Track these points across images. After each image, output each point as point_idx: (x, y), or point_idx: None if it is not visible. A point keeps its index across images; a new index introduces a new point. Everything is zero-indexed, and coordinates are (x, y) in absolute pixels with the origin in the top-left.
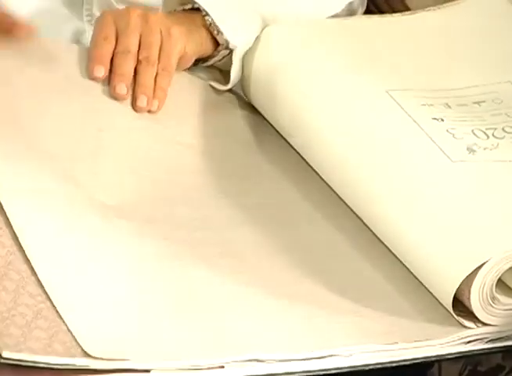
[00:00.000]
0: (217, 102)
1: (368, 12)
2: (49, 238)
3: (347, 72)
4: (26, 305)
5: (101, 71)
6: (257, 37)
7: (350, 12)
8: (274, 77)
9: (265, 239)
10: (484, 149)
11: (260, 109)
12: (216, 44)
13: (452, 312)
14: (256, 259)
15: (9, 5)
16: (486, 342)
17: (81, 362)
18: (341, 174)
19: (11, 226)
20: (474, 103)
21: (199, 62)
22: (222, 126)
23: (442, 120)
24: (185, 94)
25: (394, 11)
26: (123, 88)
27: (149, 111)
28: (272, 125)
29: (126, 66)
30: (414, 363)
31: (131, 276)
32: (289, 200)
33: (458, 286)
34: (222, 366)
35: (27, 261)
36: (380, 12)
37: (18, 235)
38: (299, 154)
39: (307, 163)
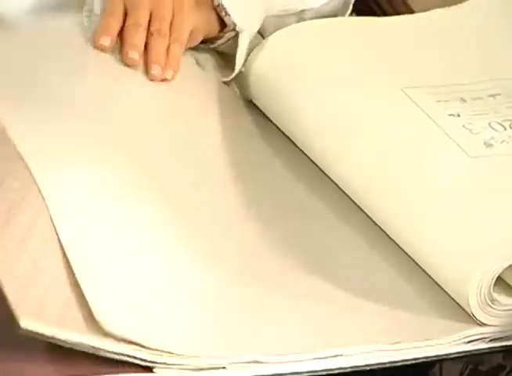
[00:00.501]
0: (223, 99)
1: (371, 13)
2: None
3: (361, 71)
4: (44, 270)
5: (107, 40)
6: (266, 39)
7: (346, 2)
8: (284, 79)
9: (268, 236)
10: (502, 142)
11: (266, 110)
12: (222, 26)
13: (470, 309)
14: (257, 257)
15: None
16: (488, 342)
17: (92, 342)
18: (357, 173)
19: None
20: (489, 96)
21: (204, 43)
22: (228, 123)
23: (458, 115)
24: (193, 91)
25: (396, 12)
26: (135, 54)
27: (164, 80)
28: (276, 125)
29: (137, 38)
30: (415, 363)
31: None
32: (295, 195)
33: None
34: (224, 367)
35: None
36: (383, 12)
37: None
38: (305, 154)
39: (313, 162)
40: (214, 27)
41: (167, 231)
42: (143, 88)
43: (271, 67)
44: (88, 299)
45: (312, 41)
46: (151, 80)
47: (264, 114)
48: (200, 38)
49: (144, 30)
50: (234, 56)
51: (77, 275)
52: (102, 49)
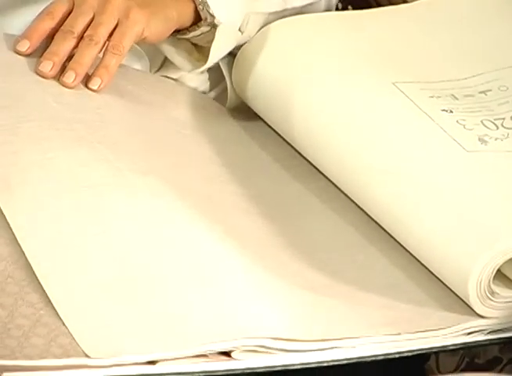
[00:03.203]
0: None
1: (368, 7)
2: (50, 241)
3: (353, 66)
4: (23, 316)
5: (24, 46)
6: (256, 36)
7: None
8: (277, 75)
9: (269, 232)
10: (496, 139)
11: (256, 107)
12: (197, 18)
13: (470, 302)
14: (258, 251)
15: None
16: (487, 334)
17: (79, 361)
18: (353, 168)
19: (11, 231)
20: (480, 92)
21: (177, 32)
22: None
23: (451, 111)
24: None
25: None
26: (47, 65)
27: (91, 90)
28: (267, 123)
29: (62, 46)
30: (411, 357)
31: (128, 269)
32: (293, 193)
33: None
34: (229, 355)
35: (27, 267)
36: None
37: (19, 240)
38: (298, 151)
39: (306, 159)
40: (185, 20)
41: (166, 226)
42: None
43: (260, 63)
44: (70, 329)
45: (303, 35)
46: (64, 86)
47: (247, 118)
48: (158, 41)
49: (74, 37)
50: (208, 48)
51: (57, 309)
52: (17, 53)
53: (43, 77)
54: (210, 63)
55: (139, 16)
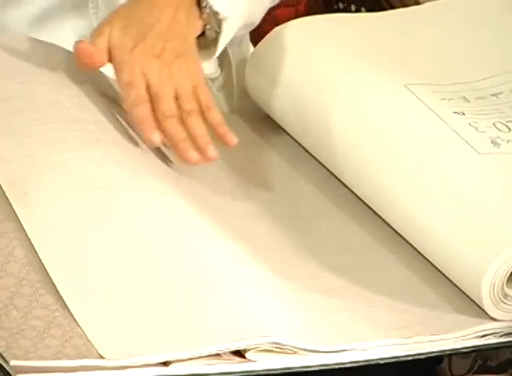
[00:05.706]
0: None
1: (381, 9)
2: (65, 242)
3: (365, 68)
4: (37, 317)
5: (156, 137)
6: (268, 37)
7: None
8: (289, 77)
9: (283, 234)
10: (508, 142)
11: (267, 108)
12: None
13: (483, 305)
14: (271, 253)
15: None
16: (500, 336)
17: (93, 362)
18: (366, 170)
19: (25, 234)
20: (492, 95)
21: None
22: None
23: (463, 113)
24: None
25: None
26: (192, 155)
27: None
28: (279, 125)
29: (179, 129)
30: (423, 360)
31: (142, 273)
32: (305, 196)
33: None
34: (243, 355)
35: (42, 269)
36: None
37: (33, 242)
38: (310, 153)
39: (318, 161)
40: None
41: (182, 229)
42: None
43: (274, 66)
44: (84, 330)
45: (316, 37)
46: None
47: (258, 120)
48: None
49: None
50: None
51: (72, 310)
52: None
53: (194, 164)
54: (218, 52)
55: (196, 66)
